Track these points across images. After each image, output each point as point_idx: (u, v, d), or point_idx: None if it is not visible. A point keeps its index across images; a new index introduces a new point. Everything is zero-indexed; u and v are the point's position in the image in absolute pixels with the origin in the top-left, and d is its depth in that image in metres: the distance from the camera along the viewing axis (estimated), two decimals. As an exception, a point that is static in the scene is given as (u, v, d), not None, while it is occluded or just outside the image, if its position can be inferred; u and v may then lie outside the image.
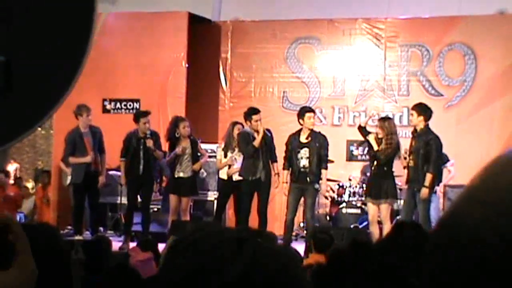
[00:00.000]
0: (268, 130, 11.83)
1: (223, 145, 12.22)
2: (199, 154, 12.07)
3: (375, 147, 10.97)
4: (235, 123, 12.20)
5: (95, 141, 12.15)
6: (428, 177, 10.55)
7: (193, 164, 11.90)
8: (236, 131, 11.96)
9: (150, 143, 11.82)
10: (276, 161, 11.71)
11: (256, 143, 11.48)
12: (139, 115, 12.14)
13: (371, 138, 11.07)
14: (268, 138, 11.70)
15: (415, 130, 10.96)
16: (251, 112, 11.73)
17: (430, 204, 10.74)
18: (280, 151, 11.71)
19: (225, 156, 12.08)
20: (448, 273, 0.78)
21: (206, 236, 1.25)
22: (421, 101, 11.79)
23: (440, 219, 0.85)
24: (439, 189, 11.05)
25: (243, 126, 11.98)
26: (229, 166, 12.02)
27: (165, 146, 12.30)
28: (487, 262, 0.74)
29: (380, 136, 10.97)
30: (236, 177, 11.90)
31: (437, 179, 11.01)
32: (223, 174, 12.15)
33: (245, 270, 1.19)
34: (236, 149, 11.95)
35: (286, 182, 11.43)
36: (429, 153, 10.66)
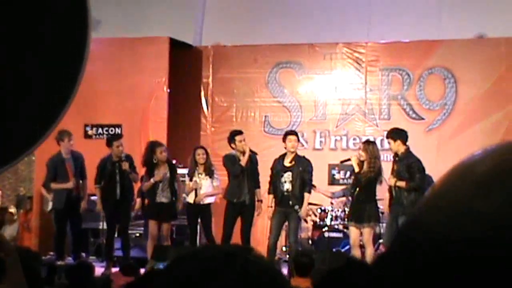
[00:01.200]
0: (254, 153, 11.84)
1: (188, 171, 12.17)
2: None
3: (356, 169, 11.01)
4: (196, 148, 12.22)
5: (77, 166, 12.10)
6: (403, 183, 10.64)
7: (171, 187, 11.85)
8: (197, 156, 11.92)
9: (125, 165, 11.78)
10: (259, 187, 11.72)
11: (243, 162, 11.51)
12: (112, 139, 12.13)
13: (353, 160, 11.11)
14: (254, 157, 11.73)
15: (396, 154, 11.02)
16: (234, 134, 11.80)
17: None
18: (262, 176, 11.72)
19: (191, 180, 12.04)
20: (405, 277, 0.81)
21: (196, 251, 1.26)
22: (401, 125, 11.88)
23: (401, 225, 0.88)
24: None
25: (205, 150, 12.03)
26: (196, 192, 11.96)
27: (141, 171, 12.27)
28: (442, 265, 0.77)
29: (362, 158, 11.00)
30: (204, 201, 11.88)
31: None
32: (190, 198, 12.09)
33: (237, 282, 1.20)
34: (203, 174, 11.92)
35: (271, 206, 11.42)
36: (412, 175, 10.72)
